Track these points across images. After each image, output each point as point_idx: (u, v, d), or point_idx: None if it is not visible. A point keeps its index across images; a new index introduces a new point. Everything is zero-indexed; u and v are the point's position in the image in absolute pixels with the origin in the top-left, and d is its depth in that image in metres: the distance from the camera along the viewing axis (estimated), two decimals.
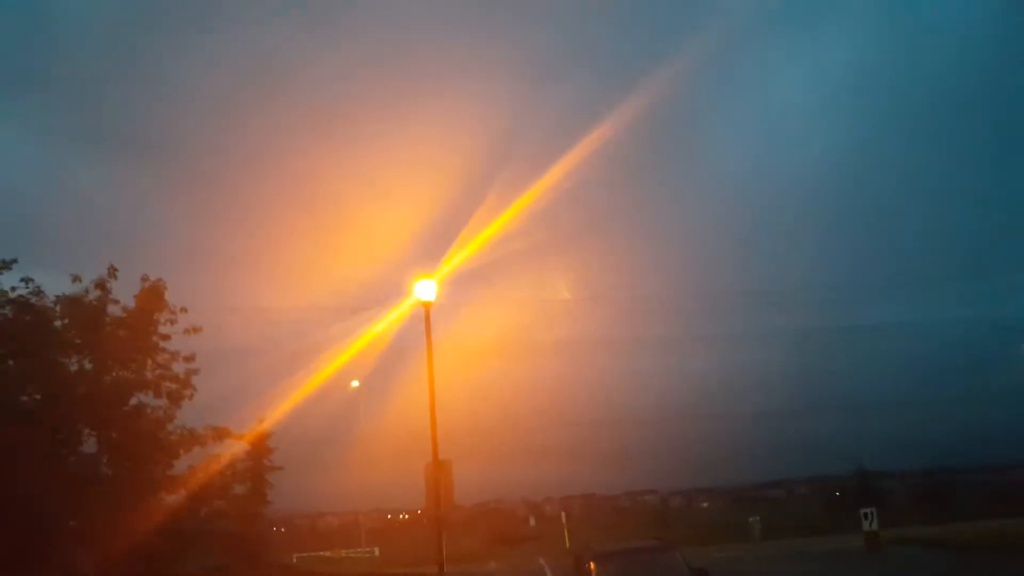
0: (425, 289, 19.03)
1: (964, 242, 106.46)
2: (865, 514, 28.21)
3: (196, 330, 17.19)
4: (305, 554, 52.62)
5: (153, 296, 16.90)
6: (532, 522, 76.63)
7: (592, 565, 15.13)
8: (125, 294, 16.57)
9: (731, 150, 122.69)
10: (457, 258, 20.24)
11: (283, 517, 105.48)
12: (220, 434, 17.13)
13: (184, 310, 17.02)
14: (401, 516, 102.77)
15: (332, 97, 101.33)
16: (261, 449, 27.37)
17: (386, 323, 21.09)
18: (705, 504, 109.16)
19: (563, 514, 55.78)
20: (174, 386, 16.63)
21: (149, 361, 16.43)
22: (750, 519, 42.77)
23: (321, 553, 53.35)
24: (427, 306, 19.17)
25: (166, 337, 17.05)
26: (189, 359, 16.95)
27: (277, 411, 24.91)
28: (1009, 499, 59.78)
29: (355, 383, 50.42)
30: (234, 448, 17.68)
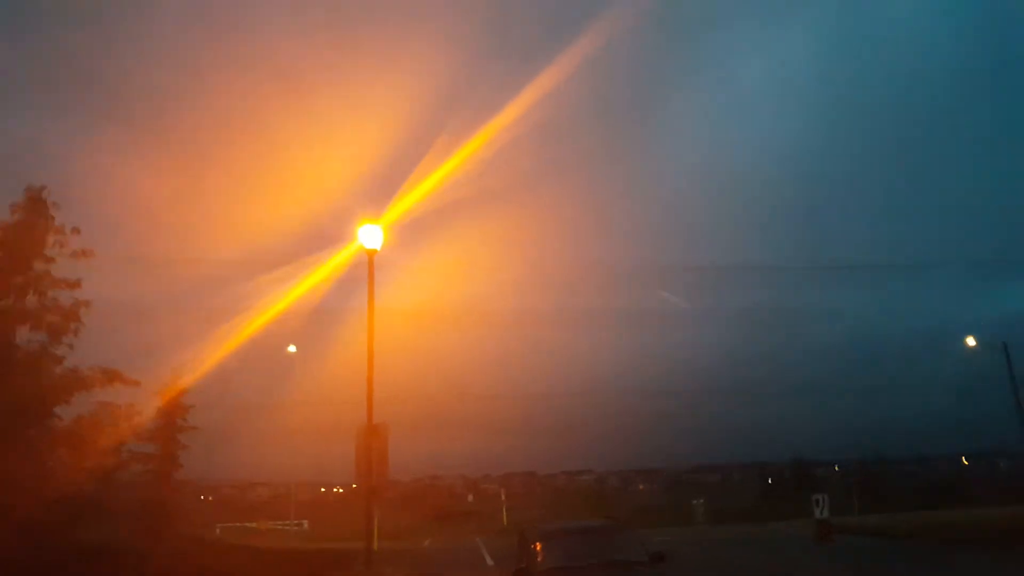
0: (369, 235, 16.97)
1: (917, 232, 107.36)
2: (816, 500, 27.12)
3: (87, 253, 14.37)
4: (230, 525, 50.04)
5: (36, 209, 14.18)
6: (470, 499, 75.30)
7: (538, 546, 13.36)
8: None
9: (687, 106, 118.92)
10: (402, 206, 18.16)
11: (211, 486, 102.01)
12: (109, 376, 14.39)
13: (76, 231, 14.29)
14: (335, 490, 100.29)
15: (274, 30, 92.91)
16: (175, 407, 24.83)
17: (325, 273, 18.90)
18: (641, 487, 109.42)
19: (502, 491, 54.46)
20: (57, 319, 13.99)
21: (30, 289, 13.81)
22: (694, 502, 41.93)
23: (247, 524, 50.81)
24: (371, 254, 17.10)
25: (50, 260, 14.35)
26: (74, 285, 14.22)
27: (197, 368, 22.45)
28: (935, 490, 60.95)
29: (292, 348, 47.72)
30: (137, 400, 15.09)
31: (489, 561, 28.96)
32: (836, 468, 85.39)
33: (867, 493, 62.29)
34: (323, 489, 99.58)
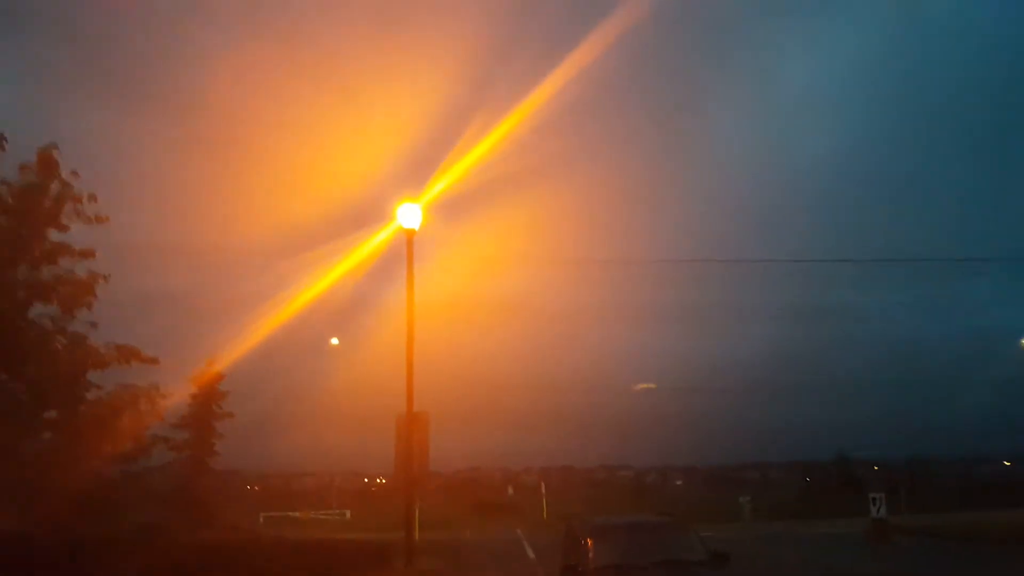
0: (408, 215, 15.97)
1: (969, 234, 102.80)
2: (874, 499, 25.40)
3: (102, 219, 13.42)
4: (273, 514, 49.78)
5: (48, 171, 12.80)
6: (510, 491, 74.27)
7: (590, 542, 12.18)
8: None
9: (730, 92, 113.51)
10: (439, 186, 17.13)
11: (258, 476, 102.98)
12: (125, 354, 13.37)
13: (93, 197, 13.35)
14: (378, 480, 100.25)
15: (309, 7, 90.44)
16: (210, 393, 24.09)
17: (363, 256, 17.93)
18: (679, 482, 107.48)
19: (542, 484, 53.26)
20: (71, 291, 13.00)
21: (45, 260, 12.83)
22: (740, 499, 40.24)
23: (290, 514, 50.49)
24: (410, 235, 16.11)
25: (64, 228, 13.39)
26: (88, 254, 13.15)
27: (233, 353, 21.68)
28: (979, 491, 58.28)
29: (335, 340, 47.10)
30: (165, 384, 14.10)
31: (531, 554, 27.94)
32: (875, 468, 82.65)
33: (910, 493, 59.96)
34: (366, 479, 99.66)
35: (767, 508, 42.15)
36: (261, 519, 48.14)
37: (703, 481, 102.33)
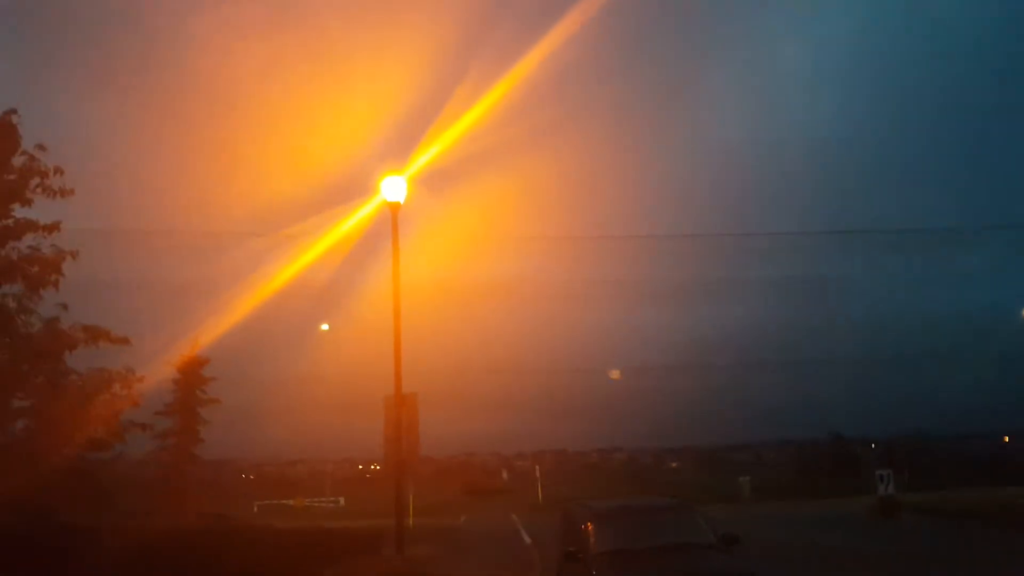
0: (392, 188, 15.02)
1: (971, 208, 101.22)
2: (881, 476, 24.75)
3: (67, 192, 12.41)
4: (267, 502, 49.03)
5: (8, 140, 11.73)
6: (504, 475, 73.69)
7: (590, 526, 11.34)
8: None
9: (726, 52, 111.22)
10: (424, 158, 16.16)
11: (252, 464, 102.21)
12: (93, 334, 12.41)
13: (60, 171, 12.09)
14: (373, 467, 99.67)
15: None
16: (194, 378, 23.05)
17: (345, 232, 16.97)
18: (674, 464, 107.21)
19: (536, 468, 52.55)
20: (36, 269, 11.97)
21: (11, 238, 11.82)
22: (740, 479, 39.56)
23: (284, 502, 49.73)
24: (394, 208, 15.14)
25: (27, 202, 12.36)
26: (53, 228, 12.12)
27: (215, 335, 20.63)
28: (977, 468, 57.89)
29: (325, 326, 46.13)
30: (142, 367, 13.14)
31: (527, 539, 27.21)
32: (872, 446, 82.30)
33: (908, 470, 59.57)
34: (360, 466, 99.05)
35: (767, 488, 41.57)
36: (255, 508, 47.40)
37: (696, 463, 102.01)
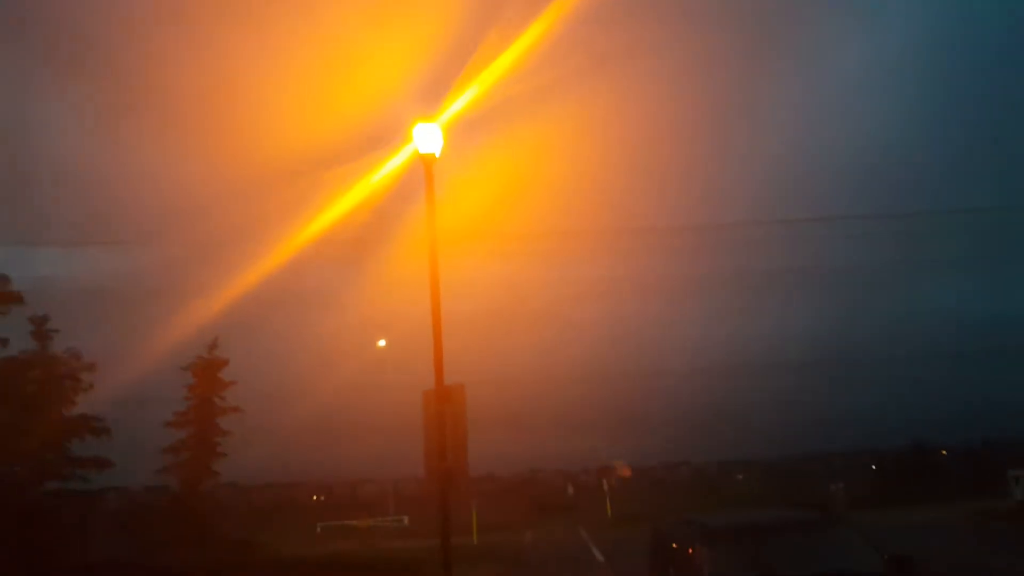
0: (425, 136, 11.91)
1: None
2: (1016, 479, 20.32)
3: None
4: (330, 524, 46.44)
5: None
6: (570, 490, 69.44)
7: (702, 550, 7.77)
8: None
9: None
10: (457, 105, 13.04)
11: (323, 485, 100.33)
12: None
13: None
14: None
15: None
16: (211, 382, 19.81)
17: (377, 188, 13.92)
18: (740, 477, 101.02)
19: (604, 481, 48.46)
20: None
21: None
22: (832, 487, 34.73)
23: (347, 523, 47.03)
24: (428, 161, 12.00)
25: None
26: None
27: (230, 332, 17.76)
28: None
29: (382, 342, 43.42)
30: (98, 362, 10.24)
31: (599, 557, 23.57)
32: (944, 453, 75.26)
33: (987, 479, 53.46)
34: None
35: (860, 498, 36.64)
36: (318, 529, 44.93)
37: (765, 475, 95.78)
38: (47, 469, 12.03)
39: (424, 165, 11.90)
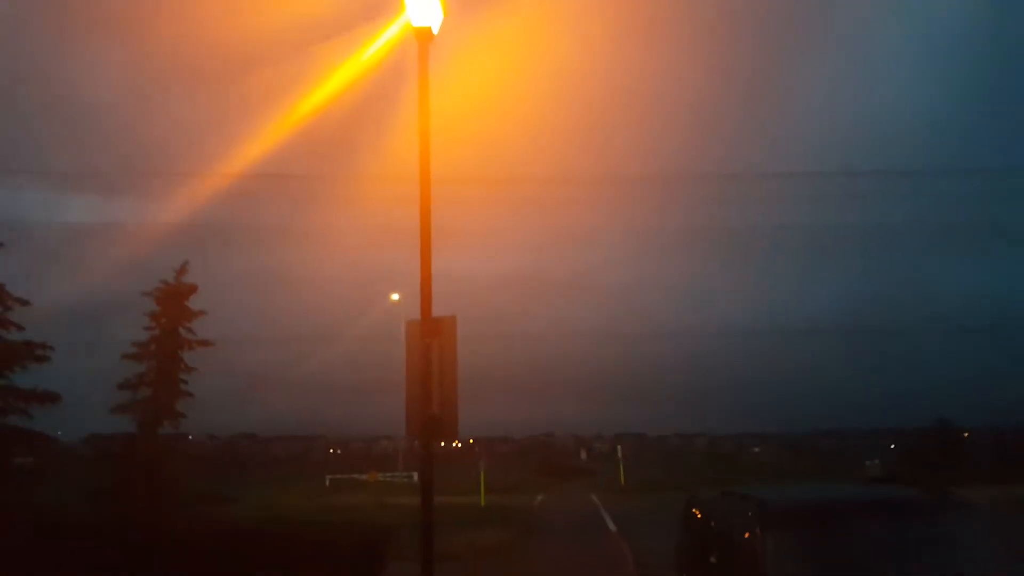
0: (421, 5, 9.37)
1: None
2: None
3: None
4: (338, 476, 45.22)
5: None
6: (583, 455, 67.60)
7: (765, 535, 5.31)
8: None
9: None
10: None
11: (340, 440, 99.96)
12: None
13: None
14: (454, 444, 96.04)
15: None
16: (177, 311, 17.35)
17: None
18: (756, 449, 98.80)
19: (619, 448, 46.21)
20: None
21: None
22: (867, 463, 32.17)
23: (356, 476, 45.71)
24: (423, 37, 9.44)
25: None
26: None
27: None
28: None
29: (395, 296, 41.33)
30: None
31: (611, 526, 21.39)
32: (965, 435, 72.26)
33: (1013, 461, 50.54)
34: (443, 443, 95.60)
35: (895, 475, 34.14)
36: (327, 481, 43.67)
37: (780, 448, 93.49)
38: None
39: (418, 41, 9.40)
